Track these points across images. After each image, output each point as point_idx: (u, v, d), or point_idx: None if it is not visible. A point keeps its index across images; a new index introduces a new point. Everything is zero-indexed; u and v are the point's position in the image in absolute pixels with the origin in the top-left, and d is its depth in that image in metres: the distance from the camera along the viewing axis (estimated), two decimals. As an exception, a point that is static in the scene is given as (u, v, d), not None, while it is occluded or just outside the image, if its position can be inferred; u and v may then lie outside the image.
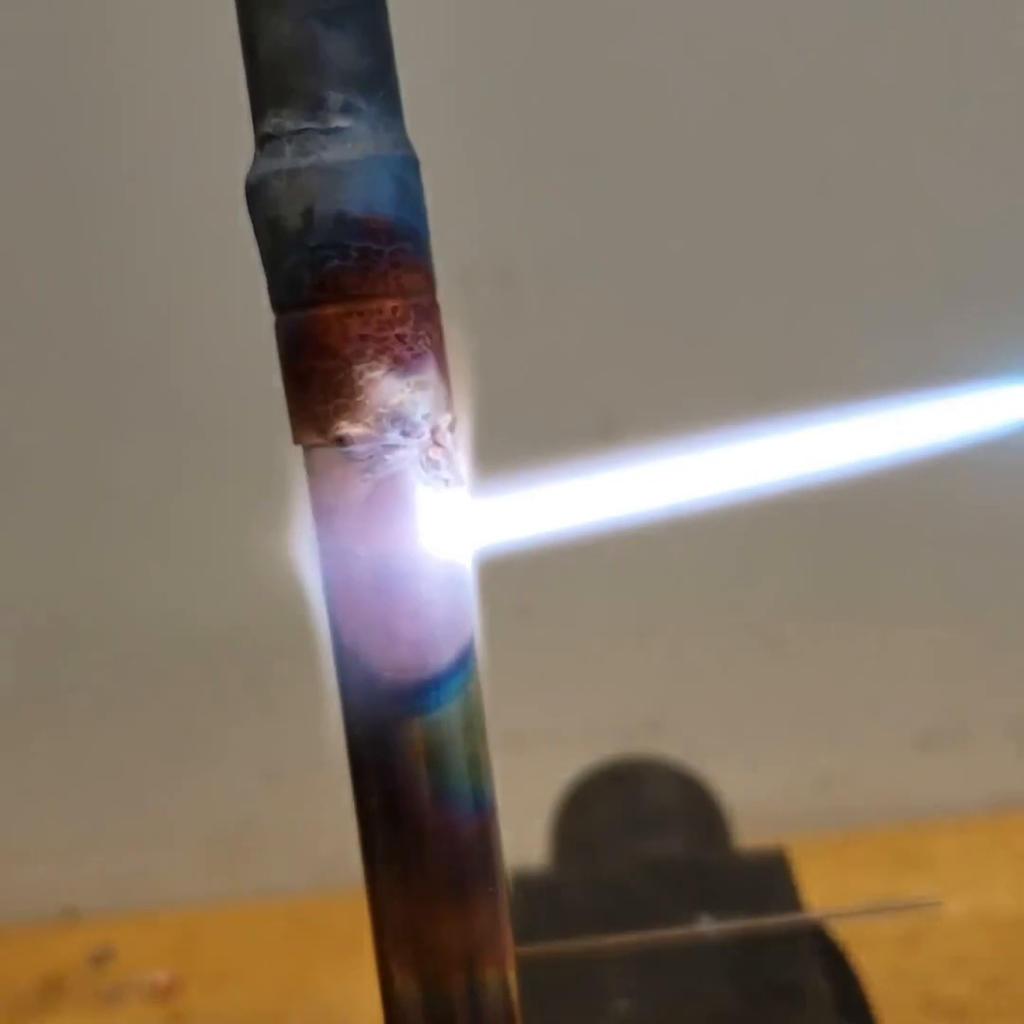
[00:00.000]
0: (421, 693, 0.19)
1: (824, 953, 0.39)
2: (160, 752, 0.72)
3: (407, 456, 0.19)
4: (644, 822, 0.54)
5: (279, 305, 0.20)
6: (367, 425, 0.19)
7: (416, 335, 0.19)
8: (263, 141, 0.19)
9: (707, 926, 0.39)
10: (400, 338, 0.19)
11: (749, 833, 0.56)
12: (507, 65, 0.63)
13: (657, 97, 0.63)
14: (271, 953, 0.68)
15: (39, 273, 0.65)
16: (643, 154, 0.64)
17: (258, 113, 0.19)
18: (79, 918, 0.73)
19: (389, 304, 0.19)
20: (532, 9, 0.62)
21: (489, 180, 0.63)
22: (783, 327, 0.65)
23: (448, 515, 0.20)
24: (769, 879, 0.43)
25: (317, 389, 0.19)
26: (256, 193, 0.19)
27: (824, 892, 0.46)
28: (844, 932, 0.42)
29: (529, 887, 0.45)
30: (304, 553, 0.20)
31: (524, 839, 0.52)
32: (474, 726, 0.20)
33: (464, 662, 0.20)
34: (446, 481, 0.20)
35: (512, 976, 0.21)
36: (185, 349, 0.65)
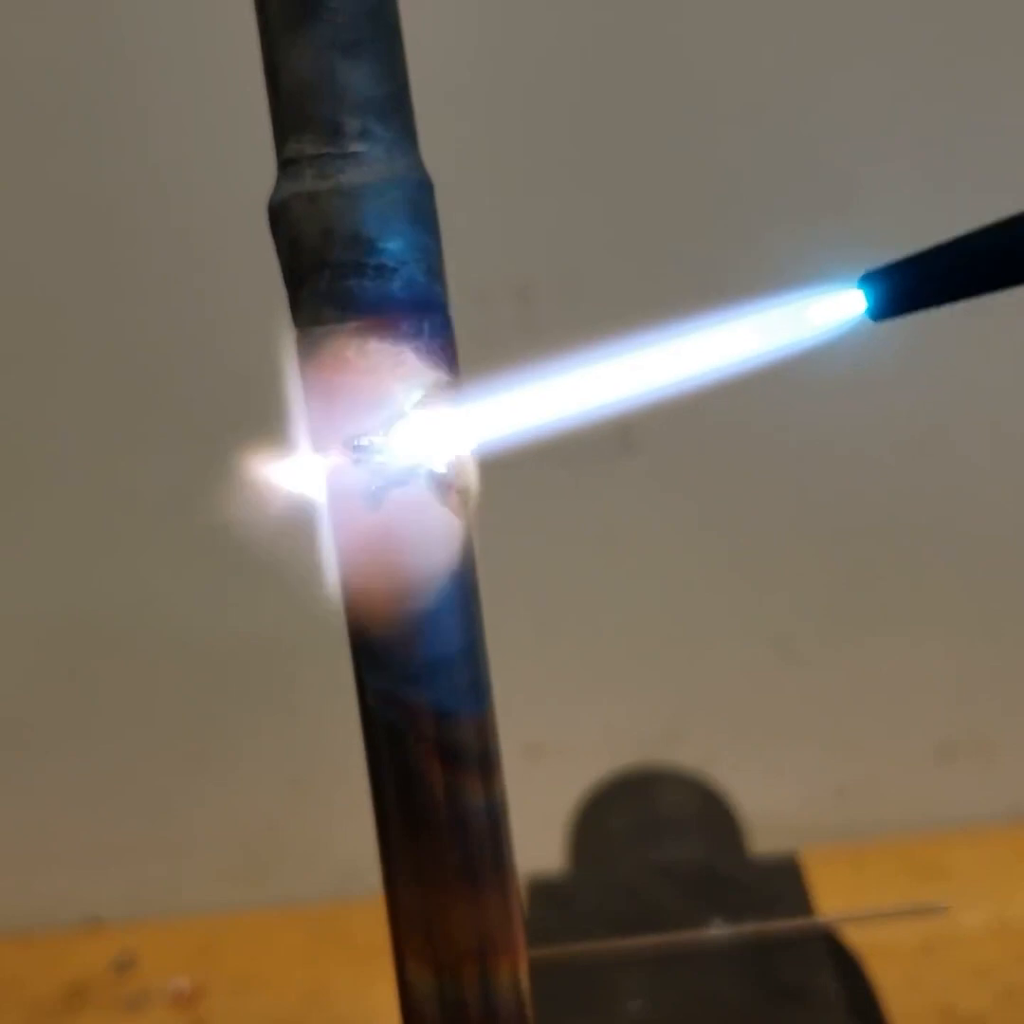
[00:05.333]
0: (435, 688, 0.20)
1: (835, 957, 0.40)
2: (183, 761, 0.73)
3: (422, 467, 0.20)
4: (659, 830, 0.54)
5: (300, 320, 0.20)
6: (383, 436, 0.20)
7: (430, 350, 0.20)
8: (284, 165, 0.20)
9: (720, 930, 0.40)
10: (415, 352, 0.20)
11: (767, 843, 0.57)
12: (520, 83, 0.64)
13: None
14: (292, 961, 0.69)
15: (67, 287, 0.66)
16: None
17: (280, 139, 0.20)
18: (102, 925, 0.74)
19: (404, 320, 0.20)
20: (546, 31, 0.63)
21: (507, 200, 0.64)
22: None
23: (460, 523, 0.20)
24: (782, 884, 0.43)
25: (336, 402, 0.20)
26: (278, 214, 0.20)
27: (841, 902, 0.46)
28: (861, 942, 0.42)
29: (546, 891, 0.46)
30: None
31: (543, 847, 0.52)
32: (486, 723, 0.21)
33: (474, 660, 0.21)
34: (459, 490, 0.21)
35: (524, 970, 0.22)
36: (212, 356, 0.66)
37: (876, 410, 0.68)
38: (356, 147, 0.19)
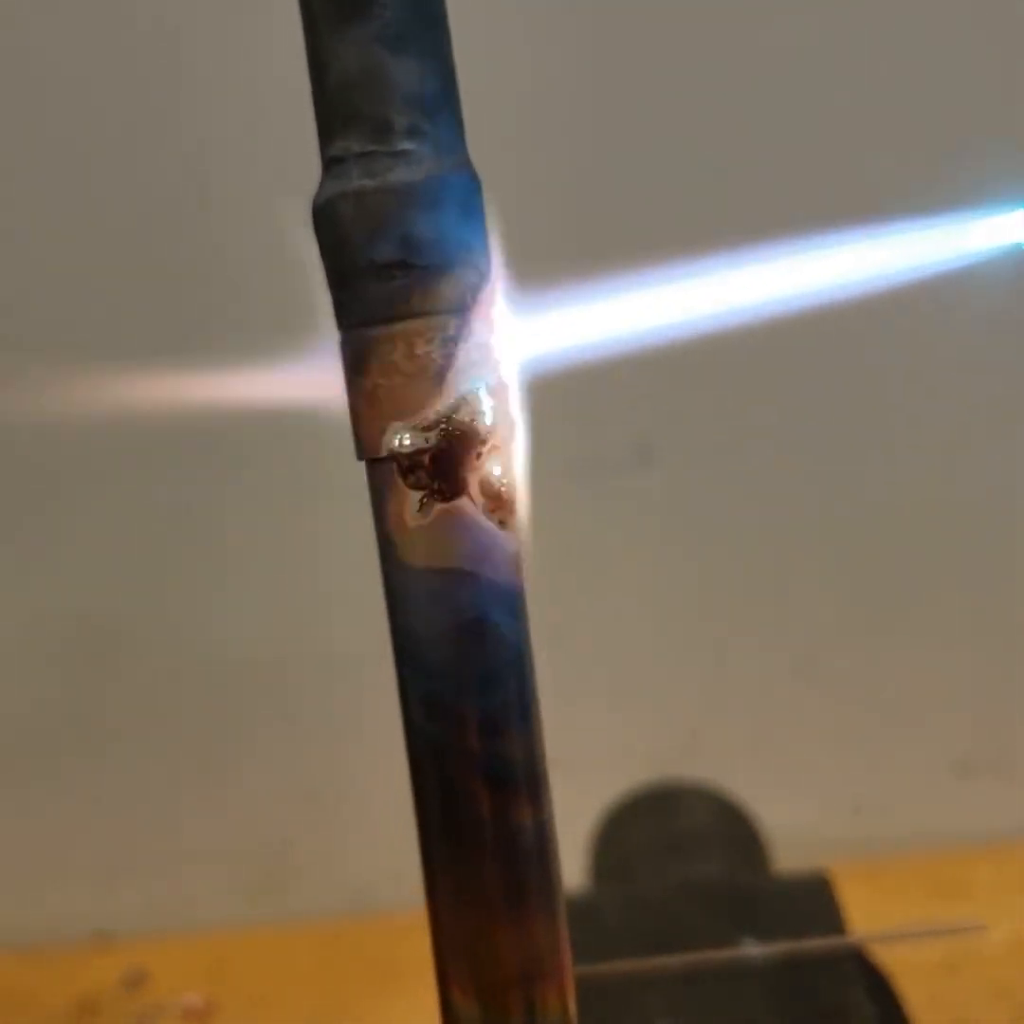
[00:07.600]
0: (482, 701, 0.20)
1: (867, 977, 0.39)
2: (195, 775, 0.72)
3: (472, 472, 0.20)
4: (682, 846, 0.53)
5: (345, 323, 0.20)
6: (430, 440, 0.19)
7: (480, 351, 0.20)
8: (330, 164, 0.20)
9: (750, 949, 0.39)
10: (465, 355, 0.19)
11: (785, 859, 0.56)
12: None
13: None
14: (305, 977, 0.68)
15: (88, 297, 0.66)
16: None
17: (325, 137, 0.20)
18: (113, 941, 0.73)
19: (453, 321, 0.19)
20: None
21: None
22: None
23: (510, 530, 0.20)
24: (812, 902, 0.43)
25: (382, 405, 0.20)
26: (323, 214, 0.20)
27: (860, 919, 0.45)
28: (883, 959, 0.41)
29: (568, 909, 0.45)
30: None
31: (562, 864, 0.52)
32: (533, 736, 0.20)
33: (523, 673, 0.20)
34: (506, 494, 0.20)
35: (571, 996, 0.21)
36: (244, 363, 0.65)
37: (895, 426, 0.67)
38: (405, 145, 0.19)
